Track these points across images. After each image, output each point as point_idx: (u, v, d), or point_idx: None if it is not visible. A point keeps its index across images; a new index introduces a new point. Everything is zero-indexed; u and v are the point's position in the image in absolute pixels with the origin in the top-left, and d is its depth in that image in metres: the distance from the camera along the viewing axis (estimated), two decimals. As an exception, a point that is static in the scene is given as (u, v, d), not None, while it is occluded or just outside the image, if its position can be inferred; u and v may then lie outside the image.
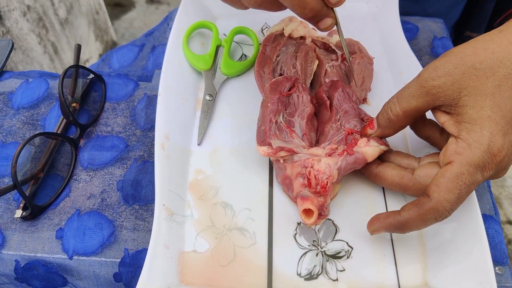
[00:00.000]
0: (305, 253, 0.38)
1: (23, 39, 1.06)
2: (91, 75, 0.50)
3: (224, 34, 0.52)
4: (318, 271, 0.37)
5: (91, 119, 0.47)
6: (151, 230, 0.37)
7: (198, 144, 0.44)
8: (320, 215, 0.38)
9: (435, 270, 0.36)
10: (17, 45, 1.03)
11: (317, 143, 0.41)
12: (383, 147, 0.38)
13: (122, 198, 0.42)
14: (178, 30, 0.50)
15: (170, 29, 0.52)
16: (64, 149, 0.45)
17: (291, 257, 0.37)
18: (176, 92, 0.45)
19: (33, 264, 0.39)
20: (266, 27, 0.54)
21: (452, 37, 0.66)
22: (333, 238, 0.38)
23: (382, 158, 0.39)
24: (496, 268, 0.37)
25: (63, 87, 0.44)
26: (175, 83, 0.46)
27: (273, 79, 0.43)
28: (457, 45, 0.34)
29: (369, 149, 0.37)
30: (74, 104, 0.48)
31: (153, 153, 0.41)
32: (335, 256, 0.37)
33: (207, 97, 0.47)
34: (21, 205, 0.41)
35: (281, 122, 0.40)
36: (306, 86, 0.45)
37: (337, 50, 0.48)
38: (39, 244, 0.39)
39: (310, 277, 0.36)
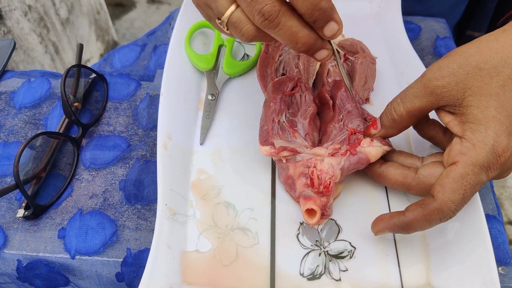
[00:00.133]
0: (308, 253, 0.37)
1: (24, 39, 1.06)
2: (93, 75, 0.50)
3: (226, 34, 0.52)
4: (321, 271, 0.37)
5: (93, 119, 0.47)
6: (153, 230, 0.37)
7: (201, 144, 0.44)
8: (323, 215, 0.38)
9: (438, 270, 0.36)
10: (18, 45, 1.03)
11: (319, 143, 0.41)
12: (387, 148, 0.38)
13: (124, 197, 0.42)
14: (180, 30, 0.50)
15: (172, 28, 0.52)
16: (66, 148, 0.45)
17: (294, 257, 0.37)
18: (178, 91, 0.45)
19: (35, 264, 0.39)
20: (268, 26, 0.54)
21: (454, 36, 0.66)
22: (336, 238, 0.38)
23: (385, 158, 0.39)
24: (499, 268, 0.37)
25: (65, 87, 0.44)
26: (178, 82, 0.46)
27: (276, 79, 0.43)
28: (459, 44, 0.34)
29: (372, 149, 0.37)
30: (76, 104, 0.48)
31: (155, 153, 0.41)
32: (338, 256, 0.37)
33: (209, 97, 0.47)
34: (23, 204, 0.41)
35: (283, 121, 0.40)
36: (309, 85, 0.45)
37: (339, 50, 0.48)
38: (41, 243, 0.39)
39: (313, 277, 0.36)
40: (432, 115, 0.37)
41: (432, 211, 0.32)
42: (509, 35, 0.32)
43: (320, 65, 0.47)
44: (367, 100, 0.46)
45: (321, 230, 0.39)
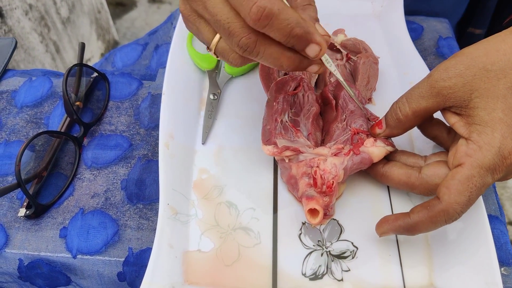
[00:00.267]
0: (310, 253, 0.37)
1: (25, 38, 1.06)
2: (95, 74, 0.50)
3: (228, 33, 0.52)
4: (323, 271, 0.36)
5: (95, 118, 0.47)
6: (155, 229, 0.37)
7: (203, 143, 0.44)
8: (325, 215, 0.38)
9: (441, 271, 0.36)
10: (19, 44, 1.03)
11: (322, 142, 0.41)
12: (390, 148, 0.38)
13: (126, 197, 0.42)
14: (182, 29, 0.50)
15: (174, 28, 0.52)
16: (68, 147, 0.45)
17: (296, 257, 0.37)
18: (180, 91, 0.45)
19: (36, 263, 0.39)
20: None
21: (456, 35, 0.66)
22: (338, 238, 0.38)
23: (387, 157, 0.39)
24: (502, 269, 0.37)
25: (67, 86, 0.44)
26: (180, 82, 0.46)
27: (278, 78, 0.42)
28: (461, 43, 0.34)
29: (375, 149, 0.37)
30: (77, 103, 0.47)
31: (157, 152, 0.41)
32: (340, 256, 0.37)
33: (212, 96, 0.46)
34: (25, 203, 0.40)
35: (286, 121, 0.40)
36: (311, 85, 0.45)
37: (342, 50, 0.48)
38: (42, 243, 0.39)
39: (315, 277, 0.36)
40: (436, 114, 0.37)
41: (438, 213, 0.32)
42: None
43: (323, 64, 0.47)
44: (369, 100, 0.46)
45: (323, 230, 0.39)
